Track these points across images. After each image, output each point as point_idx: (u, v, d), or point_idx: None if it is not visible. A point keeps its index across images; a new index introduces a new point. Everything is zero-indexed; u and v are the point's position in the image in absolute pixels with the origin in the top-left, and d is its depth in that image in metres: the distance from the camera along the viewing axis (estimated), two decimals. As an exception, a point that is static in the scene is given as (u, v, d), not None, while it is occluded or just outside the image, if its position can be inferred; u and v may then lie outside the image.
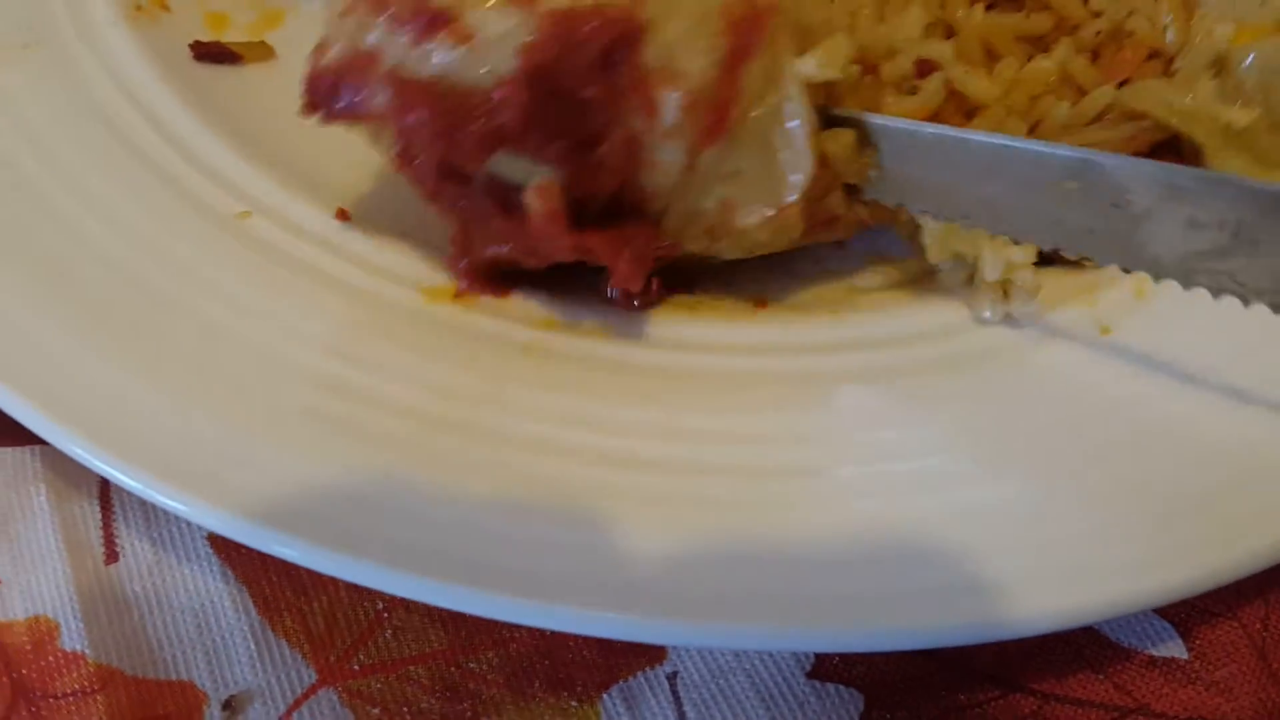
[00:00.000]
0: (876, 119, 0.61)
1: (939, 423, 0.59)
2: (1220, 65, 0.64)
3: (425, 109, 0.57)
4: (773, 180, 0.61)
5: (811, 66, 0.59)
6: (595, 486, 0.57)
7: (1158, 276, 0.55)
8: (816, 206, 0.63)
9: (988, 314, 0.63)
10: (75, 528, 0.62)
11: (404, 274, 0.64)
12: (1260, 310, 0.53)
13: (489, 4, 0.56)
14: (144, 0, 0.73)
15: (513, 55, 0.56)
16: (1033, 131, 0.65)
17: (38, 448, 0.64)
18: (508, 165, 0.59)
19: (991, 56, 0.68)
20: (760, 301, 0.65)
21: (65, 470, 0.63)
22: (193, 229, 0.63)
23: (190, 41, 0.72)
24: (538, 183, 0.58)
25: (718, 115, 0.58)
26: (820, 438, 0.59)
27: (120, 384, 0.58)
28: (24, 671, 0.59)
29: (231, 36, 0.73)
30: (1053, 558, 0.55)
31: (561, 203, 0.58)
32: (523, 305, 0.63)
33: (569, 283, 0.64)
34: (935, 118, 0.65)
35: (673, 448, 0.58)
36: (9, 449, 0.64)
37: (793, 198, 0.61)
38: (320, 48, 0.61)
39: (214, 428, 0.57)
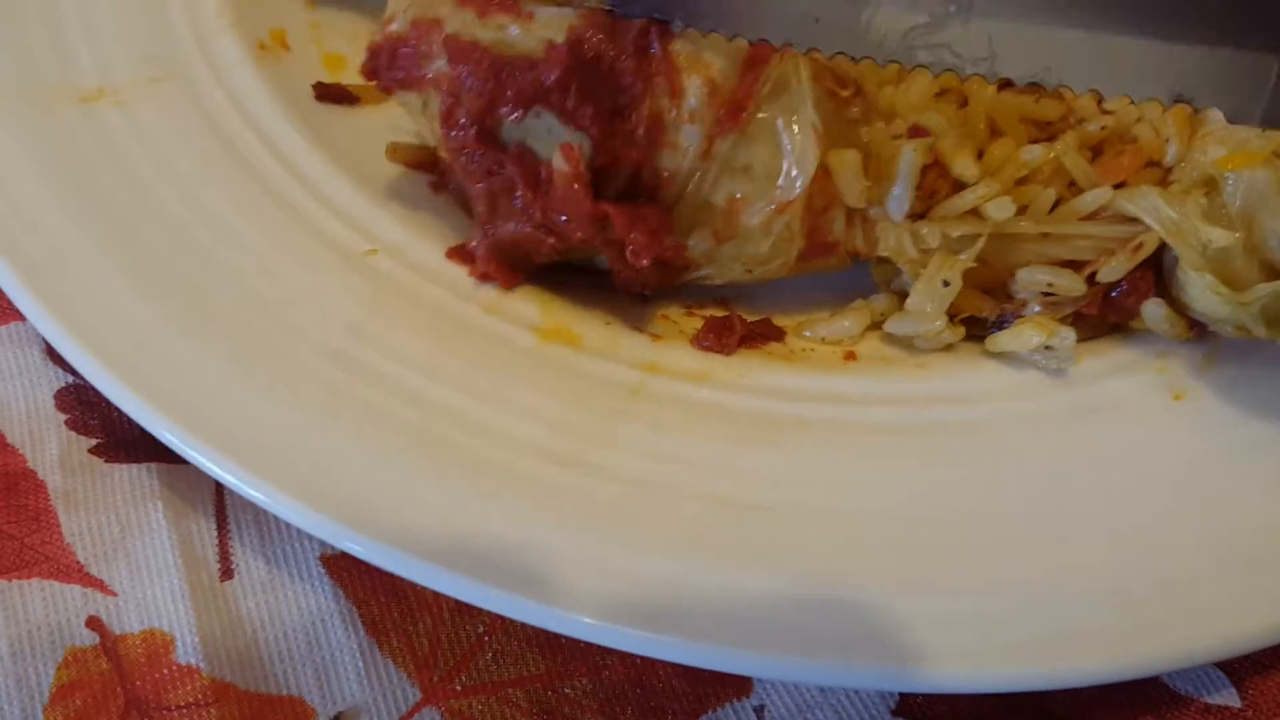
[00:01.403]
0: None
1: (1016, 479, 0.63)
2: (1210, 185, 0.67)
3: (476, 64, 0.64)
4: (778, 178, 0.66)
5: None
6: (697, 524, 0.60)
7: (883, 61, 0.59)
8: (818, 220, 0.68)
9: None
10: (191, 544, 0.65)
11: (518, 313, 0.67)
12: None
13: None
14: (267, 39, 0.76)
15: (563, 31, 0.64)
16: (1021, 211, 0.68)
17: (154, 465, 0.67)
18: (540, 135, 0.65)
19: (995, 133, 0.72)
20: (850, 354, 0.68)
21: (181, 488, 0.66)
22: (325, 265, 0.67)
23: (313, 82, 0.75)
24: (565, 142, 0.64)
25: (735, 106, 0.65)
26: (908, 487, 0.62)
27: (260, 406, 0.61)
28: (138, 683, 0.61)
29: (347, 77, 0.77)
30: (1122, 609, 0.58)
31: (585, 167, 0.64)
32: (628, 346, 0.67)
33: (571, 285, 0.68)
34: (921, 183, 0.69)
35: (768, 491, 0.62)
36: (127, 465, 0.67)
37: (795, 193, 0.66)
38: (386, 19, 0.68)
39: (345, 450, 0.60)
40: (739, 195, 0.67)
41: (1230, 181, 0.67)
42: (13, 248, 0.64)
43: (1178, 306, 0.67)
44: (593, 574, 0.58)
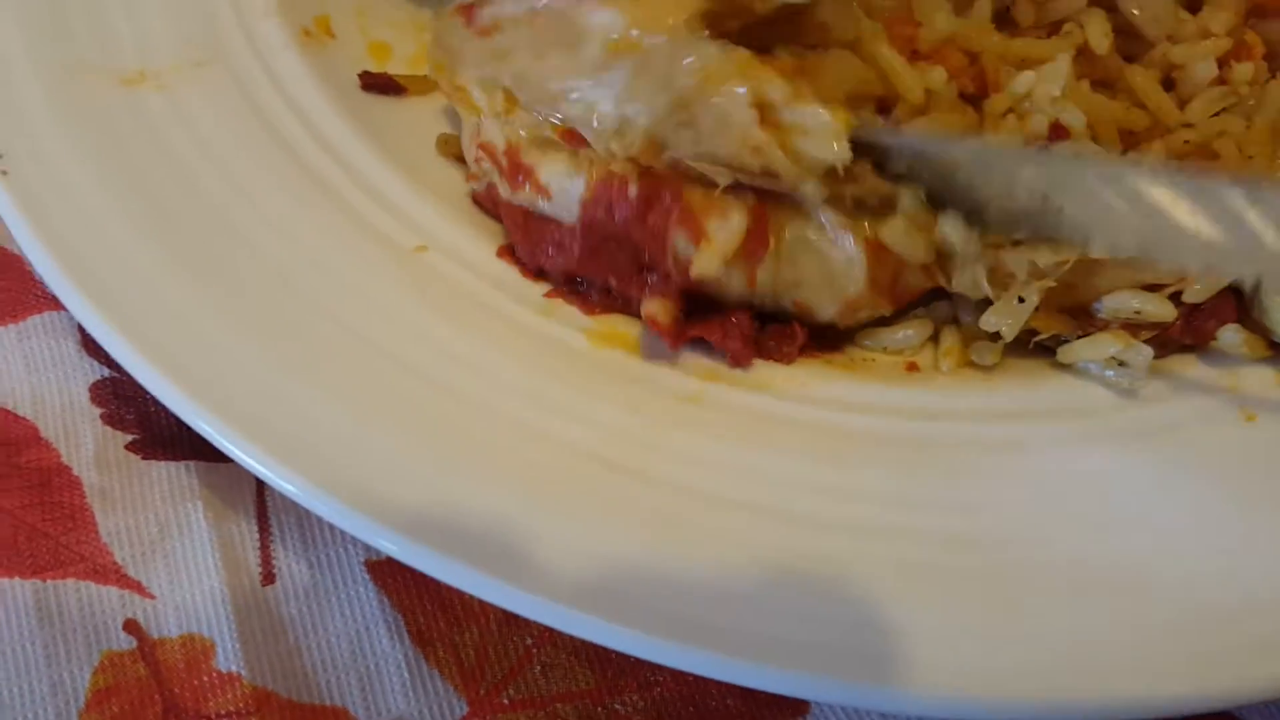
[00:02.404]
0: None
1: (1084, 499, 0.61)
2: None
3: (520, 227, 0.67)
4: (834, 278, 0.65)
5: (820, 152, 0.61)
6: (751, 537, 0.58)
7: None
8: (895, 285, 0.66)
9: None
10: (232, 547, 0.63)
11: (568, 316, 0.65)
12: None
13: (558, 166, 0.64)
14: (311, 26, 0.73)
15: (576, 204, 0.64)
16: None
17: (194, 463, 0.65)
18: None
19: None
20: (912, 365, 0.67)
21: (222, 488, 0.64)
22: (374, 259, 0.65)
23: (359, 71, 0.73)
24: (654, 303, 0.64)
25: (758, 238, 0.63)
26: (971, 505, 0.61)
27: (306, 402, 0.59)
28: (176, 690, 0.59)
29: (393, 67, 0.74)
30: (1193, 638, 0.57)
31: (675, 317, 0.64)
32: (686, 352, 0.65)
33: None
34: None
35: (827, 505, 0.60)
36: (165, 463, 0.65)
37: (858, 286, 0.65)
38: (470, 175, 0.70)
39: (388, 447, 0.58)
40: (803, 299, 0.66)
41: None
42: (54, 236, 0.62)
43: (1257, 328, 0.66)
44: (639, 587, 0.56)
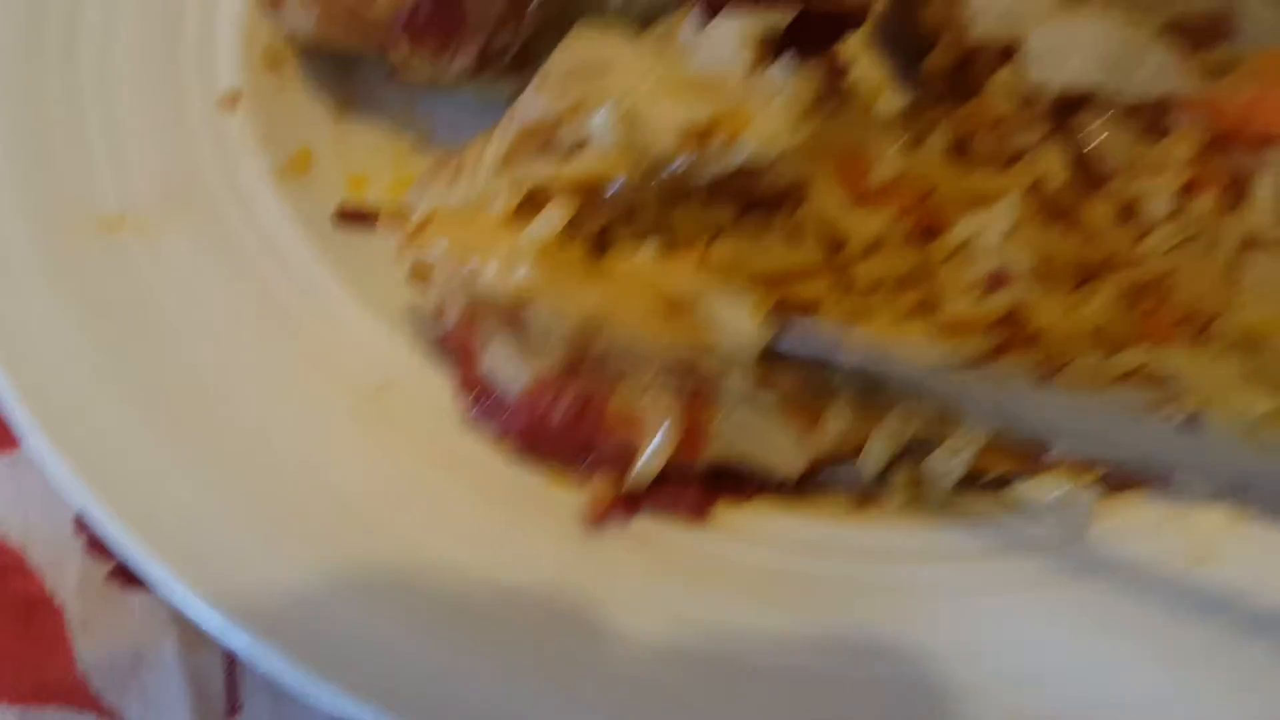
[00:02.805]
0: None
1: (1016, 644, 0.62)
2: (1251, 343, 0.64)
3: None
4: (779, 452, 0.65)
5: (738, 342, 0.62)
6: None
7: None
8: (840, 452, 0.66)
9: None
10: (201, 678, 0.66)
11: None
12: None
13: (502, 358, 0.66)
14: (292, 159, 0.75)
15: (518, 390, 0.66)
16: (1055, 374, 0.65)
17: (169, 595, 0.68)
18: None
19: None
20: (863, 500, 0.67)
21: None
22: (334, 402, 0.67)
23: (336, 206, 0.75)
24: (598, 484, 0.64)
25: (692, 439, 0.64)
26: (891, 653, 0.62)
27: (274, 563, 0.61)
28: (149, 816, 0.62)
29: (372, 194, 0.76)
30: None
31: (619, 495, 0.65)
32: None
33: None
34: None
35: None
36: (140, 595, 0.68)
37: (798, 464, 0.65)
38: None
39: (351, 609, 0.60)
40: (753, 464, 0.66)
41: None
42: (28, 384, 0.64)
43: None
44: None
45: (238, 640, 0.58)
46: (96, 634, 0.67)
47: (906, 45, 0.70)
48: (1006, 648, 0.61)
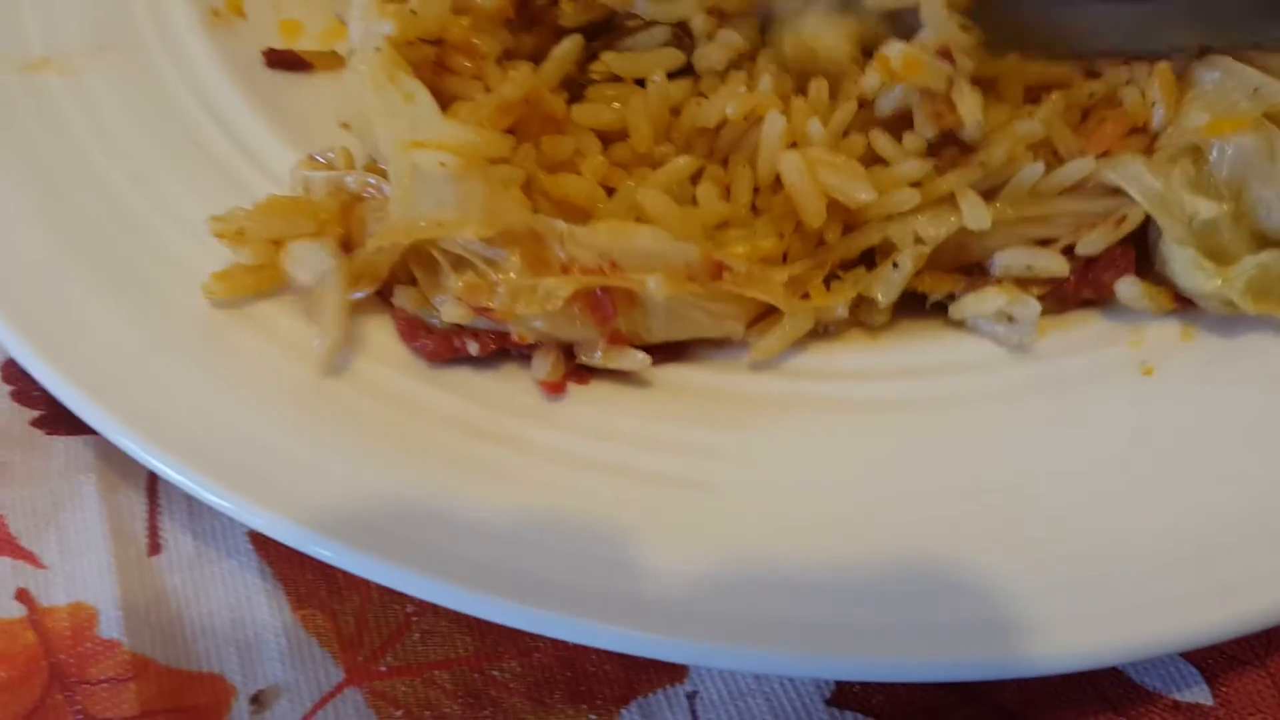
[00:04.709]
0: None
1: (974, 457, 0.59)
2: (1197, 154, 0.63)
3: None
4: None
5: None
6: (622, 502, 0.58)
7: None
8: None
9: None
10: (121, 518, 0.64)
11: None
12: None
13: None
14: (221, 7, 0.74)
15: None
16: (998, 190, 0.64)
17: (92, 438, 0.66)
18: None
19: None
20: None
21: (116, 461, 0.65)
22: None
23: (264, 48, 0.73)
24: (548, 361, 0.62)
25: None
26: (851, 466, 0.59)
27: (183, 383, 0.60)
28: (61, 656, 0.60)
29: (303, 44, 0.75)
30: (1082, 596, 0.55)
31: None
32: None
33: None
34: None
35: (712, 469, 0.59)
36: (63, 438, 0.67)
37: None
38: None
39: (261, 428, 0.59)
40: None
41: (1216, 149, 0.63)
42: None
43: (1161, 281, 0.63)
44: (516, 553, 0.56)
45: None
46: (15, 478, 0.66)
47: None
48: (960, 459, 0.59)
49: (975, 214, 0.62)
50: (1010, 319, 0.63)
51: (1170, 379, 0.61)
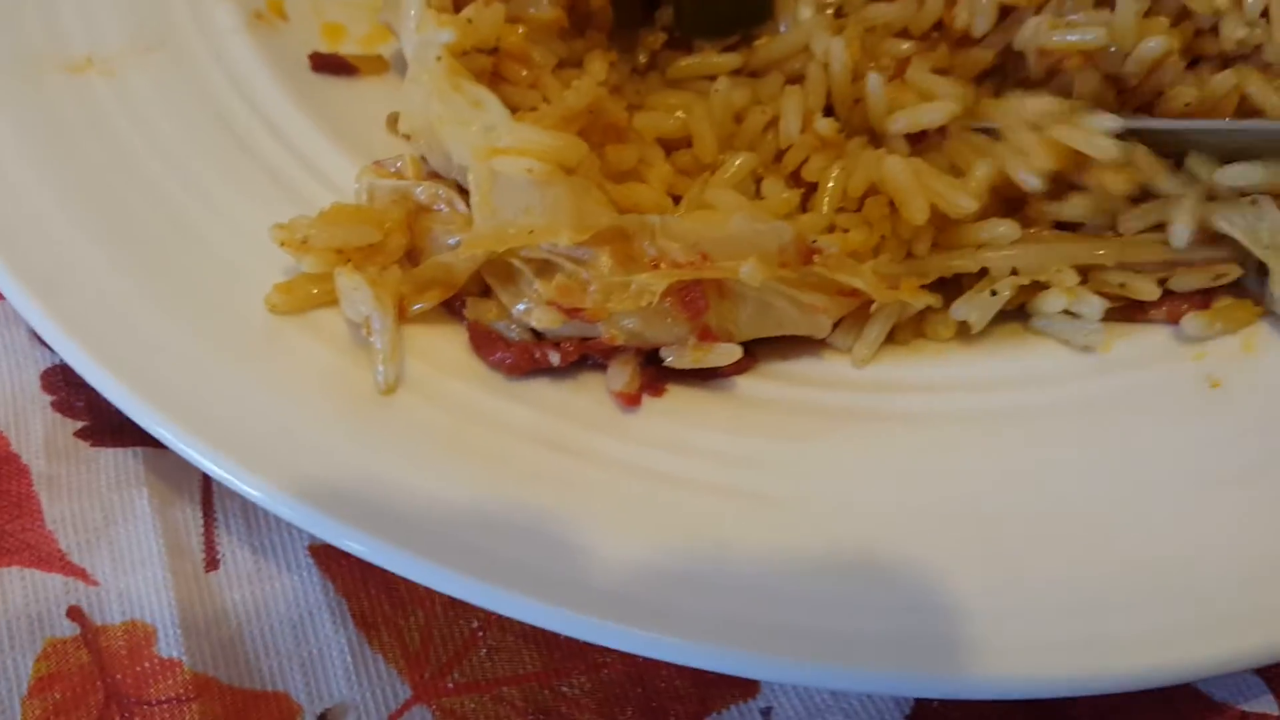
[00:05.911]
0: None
1: (1043, 470, 0.59)
2: None
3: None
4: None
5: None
6: (707, 516, 0.57)
7: None
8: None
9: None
10: (177, 533, 0.63)
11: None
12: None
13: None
14: (264, 9, 0.73)
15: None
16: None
17: (140, 449, 0.65)
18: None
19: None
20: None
21: (167, 474, 0.64)
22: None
23: (309, 52, 0.72)
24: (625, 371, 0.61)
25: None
26: (926, 479, 0.59)
27: (247, 393, 0.59)
28: (118, 677, 0.59)
29: (347, 48, 0.74)
30: (1162, 613, 0.55)
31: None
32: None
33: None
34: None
35: (785, 483, 0.59)
36: (111, 450, 0.65)
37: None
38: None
39: (324, 436, 0.58)
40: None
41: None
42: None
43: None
44: (590, 567, 0.55)
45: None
46: (64, 491, 0.64)
47: None
48: (1032, 473, 0.59)
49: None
50: (1075, 316, 0.63)
51: (1240, 392, 0.61)
